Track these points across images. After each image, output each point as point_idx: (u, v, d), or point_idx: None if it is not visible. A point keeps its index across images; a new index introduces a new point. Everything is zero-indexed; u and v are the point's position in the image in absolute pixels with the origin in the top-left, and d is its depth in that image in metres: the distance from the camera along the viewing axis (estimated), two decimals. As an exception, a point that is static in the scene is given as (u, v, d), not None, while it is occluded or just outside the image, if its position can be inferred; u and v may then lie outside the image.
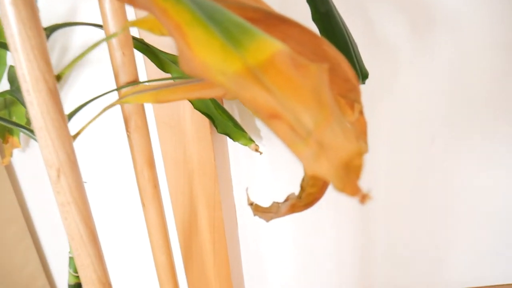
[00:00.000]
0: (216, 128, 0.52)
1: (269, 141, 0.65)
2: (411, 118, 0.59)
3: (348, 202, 0.65)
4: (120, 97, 0.30)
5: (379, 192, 0.64)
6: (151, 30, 0.26)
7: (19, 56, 0.27)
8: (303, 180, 0.27)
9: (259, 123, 0.64)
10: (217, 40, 0.17)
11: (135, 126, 0.40)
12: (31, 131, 0.36)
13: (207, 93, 0.26)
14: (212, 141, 0.56)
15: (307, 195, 0.26)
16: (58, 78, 0.29)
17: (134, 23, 0.27)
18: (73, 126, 0.34)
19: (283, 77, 0.16)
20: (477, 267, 0.68)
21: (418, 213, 0.65)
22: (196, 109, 0.51)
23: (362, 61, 0.41)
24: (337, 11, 0.39)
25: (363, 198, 0.16)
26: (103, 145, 0.68)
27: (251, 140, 0.55)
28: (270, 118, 0.16)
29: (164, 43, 0.52)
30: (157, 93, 0.27)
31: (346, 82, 0.22)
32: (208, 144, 0.56)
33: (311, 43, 0.22)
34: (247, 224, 0.69)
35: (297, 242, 0.69)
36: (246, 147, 0.57)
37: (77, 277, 0.43)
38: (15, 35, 0.26)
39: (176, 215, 0.61)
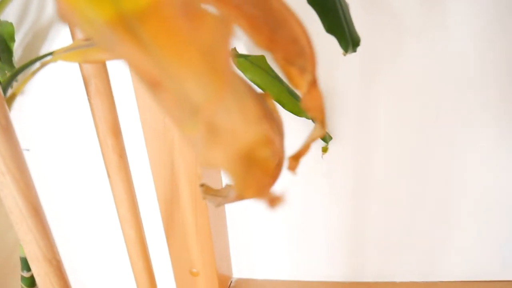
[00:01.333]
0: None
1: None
2: (413, 95, 0.53)
3: (342, 187, 0.61)
4: (54, 53, 0.26)
5: (376, 175, 0.59)
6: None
7: None
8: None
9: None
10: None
11: (96, 90, 0.36)
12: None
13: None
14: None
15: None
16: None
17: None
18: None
19: (167, 31, 0.12)
20: (475, 260, 0.64)
21: (416, 200, 0.61)
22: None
23: (353, 25, 0.36)
24: (324, -35, 0.34)
25: (272, 202, 0.12)
26: (62, 110, 0.64)
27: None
28: (152, 85, 0.12)
29: None
30: (85, 51, 0.23)
31: (294, 43, 0.17)
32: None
33: (252, -7, 0.17)
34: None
35: (287, 218, 0.66)
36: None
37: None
38: None
39: (157, 188, 0.58)
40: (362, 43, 0.51)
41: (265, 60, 0.44)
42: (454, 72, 0.52)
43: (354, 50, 0.37)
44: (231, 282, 0.73)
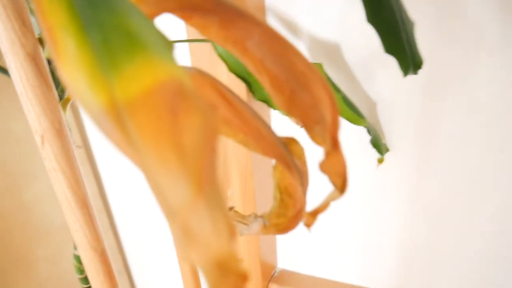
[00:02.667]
0: (253, 94, 0.48)
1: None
2: (481, 114, 0.48)
3: (395, 200, 0.58)
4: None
5: (431, 192, 0.55)
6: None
7: (-7, 16, 0.24)
8: (272, 207, 0.22)
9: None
10: (89, 56, 0.12)
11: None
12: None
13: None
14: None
15: (274, 225, 0.22)
16: (42, 41, 0.27)
17: None
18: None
19: (151, 126, 0.11)
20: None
21: (470, 222, 0.56)
22: (231, 71, 0.47)
23: (416, 46, 0.33)
24: (389, -19, 0.31)
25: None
26: None
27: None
28: (139, 169, 0.12)
29: None
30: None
31: (314, 109, 0.16)
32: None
33: (275, 49, 0.16)
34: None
35: (338, 222, 0.65)
36: (286, 117, 0.51)
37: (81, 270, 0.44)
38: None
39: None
40: (431, 53, 0.47)
41: (322, 67, 0.43)
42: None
43: (415, 73, 0.34)
44: (274, 272, 0.74)
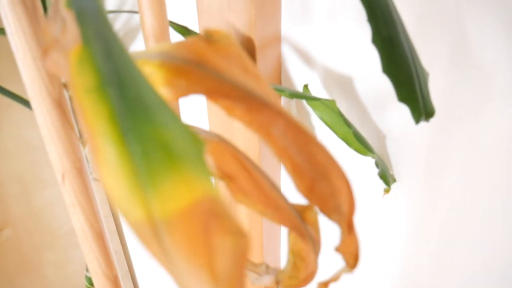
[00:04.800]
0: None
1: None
2: (490, 156, 0.49)
3: (399, 231, 0.58)
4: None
5: (435, 226, 0.56)
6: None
7: (21, 63, 0.25)
8: (285, 268, 0.23)
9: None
10: (129, 167, 0.13)
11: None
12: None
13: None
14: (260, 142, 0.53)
15: (286, 285, 0.23)
16: (66, 85, 0.28)
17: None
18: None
19: (187, 245, 0.12)
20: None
21: (474, 263, 0.57)
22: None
23: (429, 96, 0.33)
24: (405, 35, 0.31)
25: None
26: None
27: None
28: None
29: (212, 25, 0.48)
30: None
31: (332, 198, 0.17)
32: (255, 144, 0.53)
33: (298, 140, 0.17)
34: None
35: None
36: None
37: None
38: (13, 32, 0.25)
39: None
40: (445, 90, 0.48)
41: (335, 104, 0.43)
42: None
43: (427, 121, 0.34)
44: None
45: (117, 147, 0.13)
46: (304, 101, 0.54)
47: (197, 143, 0.14)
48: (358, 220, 0.60)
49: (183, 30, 0.46)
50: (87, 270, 0.45)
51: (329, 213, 0.17)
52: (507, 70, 0.44)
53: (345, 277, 0.67)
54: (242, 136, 0.54)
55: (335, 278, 0.19)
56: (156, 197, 0.13)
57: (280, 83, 0.57)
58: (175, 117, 0.14)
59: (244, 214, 0.63)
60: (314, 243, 0.20)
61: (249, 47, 0.48)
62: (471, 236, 0.54)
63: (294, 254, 0.22)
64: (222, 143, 0.21)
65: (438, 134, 0.50)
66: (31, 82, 0.26)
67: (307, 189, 0.17)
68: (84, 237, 0.33)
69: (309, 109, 0.55)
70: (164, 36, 0.34)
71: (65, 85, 0.27)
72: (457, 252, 0.57)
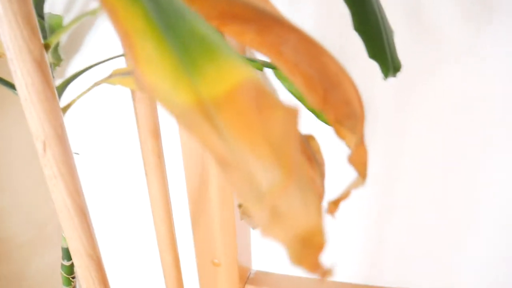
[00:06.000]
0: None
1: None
2: (446, 120, 0.53)
3: (367, 194, 0.61)
4: (109, 75, 0.27)
5: (402, 185, 0.60)
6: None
7: (2, 23, 0.24)
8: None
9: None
10: (170, 59, 0.13)
11: (141, 95, 0.38)
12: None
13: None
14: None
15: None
16: (47, 46, 0.27)
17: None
18: (71, 95, 0.32)
19: (240, 120, 0.13)
20: (490, 274, 0.64)
21: (438, 212, 0.61)
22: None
23: (395, 51, 0.36)
24: (373, -8, 0.34)
25: (324, 274, 0.14)
26: (107, 114, 0.67)
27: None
28: (221, 164, 0.13)
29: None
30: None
31: (346, 105, 0.18)
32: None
33: (310, 53, 0.18)
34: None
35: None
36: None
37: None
38: (-5, -2, 0.24)
39: (188, 182, 0.60)
40: (401, 49, 0.51)
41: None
42: (492, 98, 0.52)
43: (394, 75, 0.37)
44: (250, 273, 0.75)
45: (156, 43, 0.14)
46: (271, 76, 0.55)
47: (226, 41, 0.14)
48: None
49: None
50: (63, 258, 0.42)
51: (344, 121, 0.18)
52: (458, 32, 0.48)
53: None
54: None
55: (345, 194, 0.21)
56: (203, 82, 0.13)
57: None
58: (200, 18, 0.15)
59: (217, 216, 0.62)
60: (320, 166, 0.21)
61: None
62: (433, 187, 0.58)
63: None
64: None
65: (399, 92, 0.53)
66: (11, 41, 0.25)
67: (321, 100, 0.18)
68: (67, 213, 0.32)
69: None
70: None
71: (45, 46, 0.27)
72: (420, 194, 0.61)
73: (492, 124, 0.54)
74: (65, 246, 0.42)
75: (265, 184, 0.12)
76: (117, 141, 0.68)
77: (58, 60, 0.50)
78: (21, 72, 0.26)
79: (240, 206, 0.28)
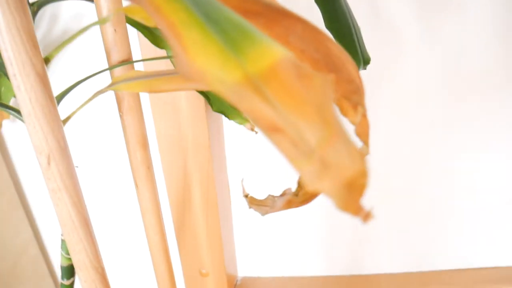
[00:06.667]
0: (211, 106, 0.51)
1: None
2: (411, 104, 0.58)
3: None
4: (112, 83, 0.29)
5: (375, 172, 0.64)
6: (145, 20, 0.25)
7: (4, 39, 0.25)
8: (300, 177, 0.26)
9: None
10: (216, 44, 0.15)
11: (128, 107, 0.39)
12: (18, 112, 0.35)
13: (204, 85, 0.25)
14: (207, 119, 0.55)
15: (305, 193, 0.26)
16: (47, 60, 0.28)
17: (126, 10, 0.25)
18: (62, 109, 0.33)
19: (285, 89, 0.15)
20: (471, 252, 0.69)
21: (411, 196, 0.66)
22: (192, 87, 0.50)
23: (364, 46, 0.39)
24: (341, -7, 0.37)
25: (366, 217, 0.16)
26: (95, 127, 0.66)
27: (247, 120, 0.54)
28: (271, 131, 0.15)
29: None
30: (151, 82, 0.25)
31: (350, 83, 0.21)
32: (203, 122, 0.55)
33: (315, 40, 0.21)
34: (241, 202, 0.69)
35: (289, 219, 0.70)
36: (242, 126, 0.55)
37: (70, 259, 0.43)
38: (-1, 16, 0.24)
39: (169, 192, 0.61)
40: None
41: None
42: (444, 80, 0.57)
43: (365, 68, 0.40)
44: (237, 281, 0.76)
45: (201, 31, 0.16)
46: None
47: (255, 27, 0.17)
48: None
49: None
50: (62, 277, 0.42)
51: (350, 97, 0.21)
52: (416, 24, 0.53)
53: (298, 236, 0.71)
54: (191, 130, 0.56)
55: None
56: (248, 61, 0.15)
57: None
58: (229, 9, 0.17)
59: (202, 226, 0.63)
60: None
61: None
62: (405, 173, 0.63)
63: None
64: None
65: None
66: (14, 56, 0.25)
67: (329, 80, 0.21)
68: (72, 225, 0.32)
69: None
70: None
71: (45, 60, 0.27)
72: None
73: (448, 107, 0.59)
74: (64, 265, 0.42)
75: (313, 141, 0.15)
76: (106, 153, 0.68)
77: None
78: (24, 87, 0.26)
79: (246, 196, 0.30)
